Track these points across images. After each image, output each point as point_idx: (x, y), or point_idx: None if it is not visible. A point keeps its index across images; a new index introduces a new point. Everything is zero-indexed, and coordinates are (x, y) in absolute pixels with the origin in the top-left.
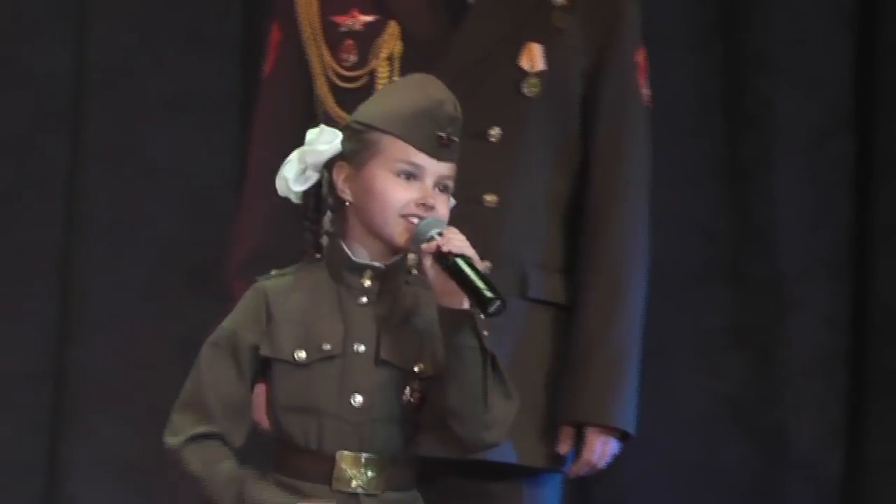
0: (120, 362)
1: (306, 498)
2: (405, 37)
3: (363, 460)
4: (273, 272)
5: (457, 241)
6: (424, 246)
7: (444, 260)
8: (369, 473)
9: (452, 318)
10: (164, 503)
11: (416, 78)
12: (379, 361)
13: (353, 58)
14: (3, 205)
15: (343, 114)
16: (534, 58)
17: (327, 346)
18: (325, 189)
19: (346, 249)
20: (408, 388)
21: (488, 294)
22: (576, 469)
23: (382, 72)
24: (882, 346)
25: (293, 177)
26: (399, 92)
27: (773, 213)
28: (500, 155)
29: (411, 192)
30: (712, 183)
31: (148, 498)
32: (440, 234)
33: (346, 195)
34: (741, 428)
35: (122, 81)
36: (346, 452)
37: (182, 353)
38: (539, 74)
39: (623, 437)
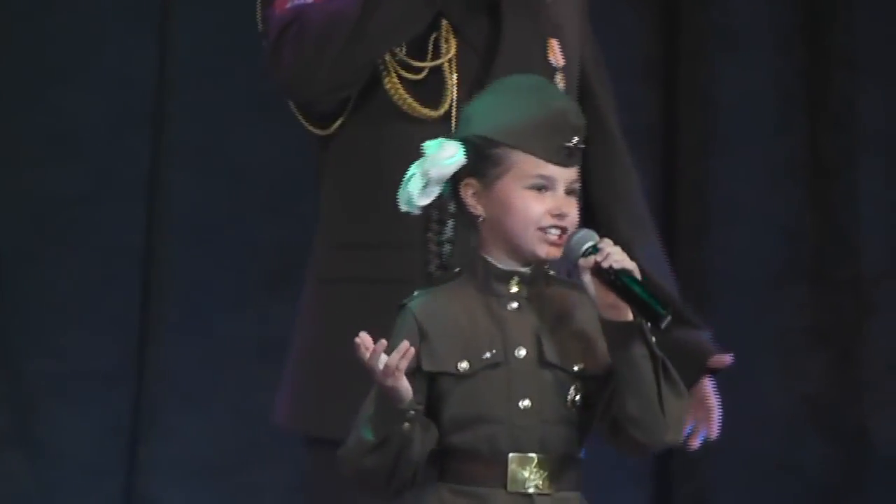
0: (201, 363)
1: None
2: (457, 34)
3: (536, 461)
4: (416, 292)
5: (616, 256)
6: (583, 262)
7: (605, 275)
8: (542, 473)
9: (620, 331)
10: None
11: (530, 83)
12: (543, 363)
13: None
14: (86, 206)
15: (416, 104)
16: (556, 53)
17: (488, 355)
18: (449, 202)
19: (490, 259)
20: (572, 388)
21: (661, 310)
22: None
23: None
24: None
25: (417, 192)
26: (517, 101)
27: (856, 213)
28: None
29: (545, 204)
30: (795, 183)
31: (227, 499)
32: (595, 248)
33: (478, 210)
34: (823, 427)
35: (205, 82)
36: (518, 454)
37: (263, 354)
38: (563, 70)
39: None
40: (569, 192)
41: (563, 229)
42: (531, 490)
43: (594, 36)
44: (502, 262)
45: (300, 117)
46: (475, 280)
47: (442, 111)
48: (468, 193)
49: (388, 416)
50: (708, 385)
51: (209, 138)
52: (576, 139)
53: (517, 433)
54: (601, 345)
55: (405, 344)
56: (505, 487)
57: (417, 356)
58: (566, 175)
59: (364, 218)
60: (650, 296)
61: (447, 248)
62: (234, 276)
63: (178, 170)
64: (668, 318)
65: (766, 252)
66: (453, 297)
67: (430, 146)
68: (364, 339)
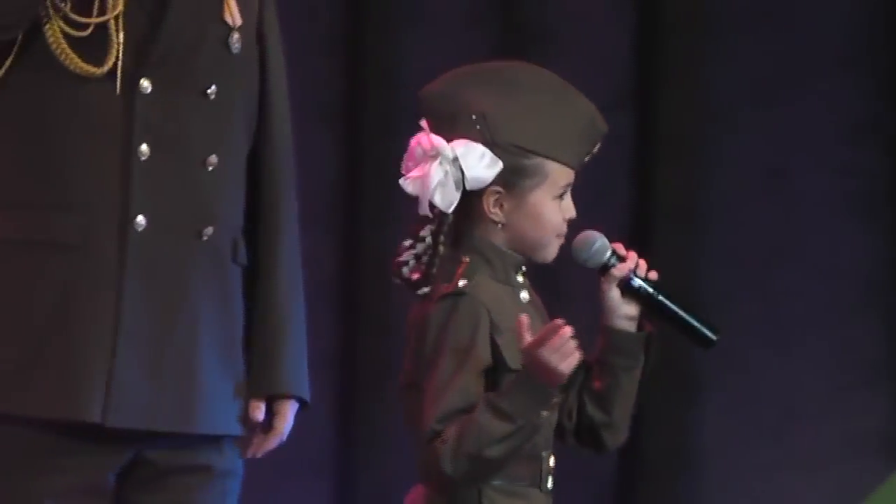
0: None
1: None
2: None
3: (550, 457)
4: (461, 282)
5: (643, 268)
6: (616, 272)
7: (638, 291)
8: (552, 469)
9: (626, 341)
10: None
11: (552, 82)
12: None
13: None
14: None
15: (78, 60)
16: (234, 12)
17: None
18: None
19: (507, 250)
20: None
21: (710, 335)
22: (268, 443)
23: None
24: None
25: (445, 195)
26: (546, 104)
27: None
28: (218, 116)
29: (562, 211)
30: None
31: None
32: (618, 258)
33: (497, 217)
34: None
35: None
36: (547, 452)
37: None
38: (239, 29)
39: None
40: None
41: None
42: (551, 487)
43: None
44: (511, 251)
45: None
46: (492, 271)
47: (106, 69)
48: (491, 202)
49: (532, 399)
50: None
51: None
52: (599, 145)
53: (547, 431)
54: None
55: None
56: (539, 486)
57: (496, 352)
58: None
59: (24, 176)
60: (700, 320)
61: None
62: None
63: None
64: (716, 340)
65: None
66: (493, 288)
67: (457, 148)
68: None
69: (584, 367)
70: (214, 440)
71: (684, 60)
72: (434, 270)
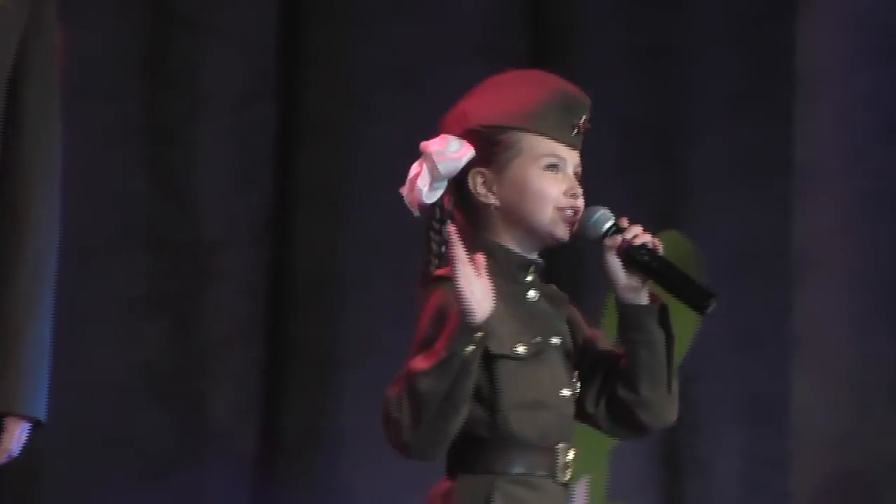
0: None
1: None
2: None
3: (570, 451)
4: (441, 272)
5: (646, 237)
6: (609, 241)
7: (636, 257)
8: (571, 462)
9: (641, 313)
10: None
11: (530, 74)
12: (568, 354)
13: None
14: None
15: None
16: None
17: (539, 339)
18: (452, 197)
19: (510, 246)
20: (575, 377)
21: (707, 294)
22: None
23: None
24: (299, 314)
25: (426, 190)
26: (520, 89)
27: (195, 177)
28: None
29: (560, 184)
30: (131, 146)
31: None
32: (618, 227)
33: (490, 199)
34: (159, 398)
35: None
36: (564, 444)
37: None
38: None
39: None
40: (575, 174)
41: (577, 210)
42: (567, 479)
43: None
44: (523, 250)
45: None
46: (495, 265)
47: None
48: (478, 183)
49: (456, 334)
50: (18, 431)
51: None
52: (584, 117)
53: (562, 422)
54: (592, 337)
55: (479, 255)
56: (554, 477)
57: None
58: (574, 156)
59: None
60: (692, 279)
61: (444, 248)
62: None
63: None
64: (714, 301)
65: (99, 218)
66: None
67: (433, 144)
68: (453, 231)
69: (613, 354)
70: None
71: (326, 47)
72: (430, 267)
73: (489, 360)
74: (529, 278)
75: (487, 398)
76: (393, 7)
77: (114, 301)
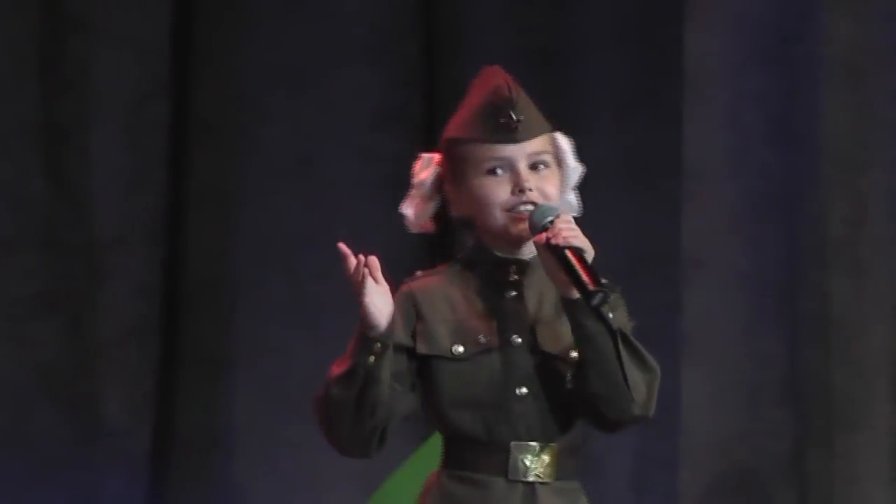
0: None
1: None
2: None
3: (537, 449)
4: (418, 273)
5: (565, 231)
6: (535, 238)
7: (554, 251)
8: (543, 462)
9: (575, 307)
10: None
11: (486, 76)
12: (536, 352)
13: None
14: None
15: None
16: None
17: (484, 339)
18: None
19: (490, 248)
20: (568, 374)
21: (590, 287)
22: None
23: None
24: (191, 314)
25: (414, 212)
26: (469, 97)
27: (89, 177)
28: None
29: (506, 186)
30: (26, 147)
31: None
32: (551, 223)
33: (458, 212)
34: (53, 398)
35: None
36: (519, 442)
37: None
38: None
39: None
40: (533, 165)
41: (529, 202)
42: (532, 479)
43: None
44: (501, 251)
45: None
46: (476, 267)
47: None
48: (448, 198)
49: (358, 345)
50: None
51: None
52: (511, 113)
53: (516, 421)
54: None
55: (360, 257)
56: (506, 476)
57: (413, 337)
58: (521, 150)
59: None
60: (586, 271)
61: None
62: None
63: None
64: (600, 295)
65: None
66: (453, 282)
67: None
68: (343, 247)
69: None
70: None
71: (218, 48)
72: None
73: (424, 360)
74: (513, 277)
75: (430, 397)
76: (285, 8)
77: (7, 301)
